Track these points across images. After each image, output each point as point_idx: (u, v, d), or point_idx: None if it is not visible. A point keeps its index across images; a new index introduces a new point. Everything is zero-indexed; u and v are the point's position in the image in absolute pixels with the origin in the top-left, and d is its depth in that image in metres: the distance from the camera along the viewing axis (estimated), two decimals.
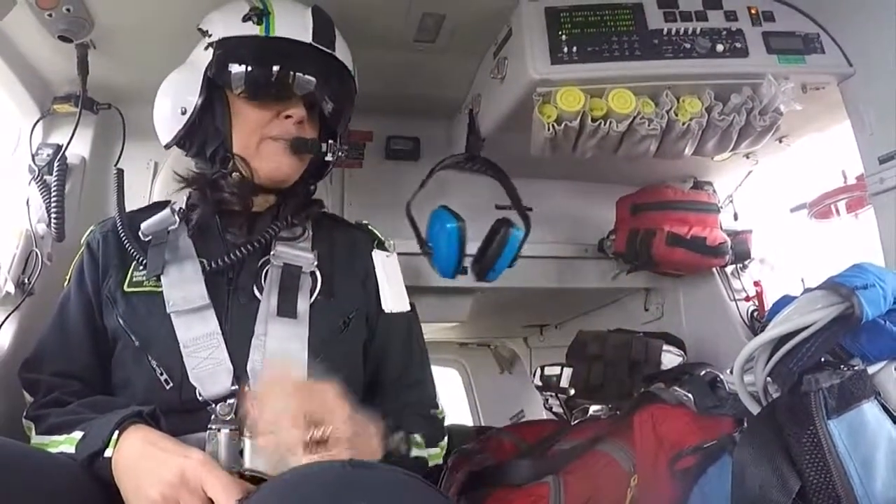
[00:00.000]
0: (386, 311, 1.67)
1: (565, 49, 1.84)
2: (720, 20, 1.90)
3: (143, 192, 2.29)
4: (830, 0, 1.88)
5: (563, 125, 1.83)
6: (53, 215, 1.89)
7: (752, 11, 1.92)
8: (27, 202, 1.94)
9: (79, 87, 1.96)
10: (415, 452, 1.48)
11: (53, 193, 1.91)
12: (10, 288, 1.80)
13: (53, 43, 1.86)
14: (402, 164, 2.55)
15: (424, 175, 2.17)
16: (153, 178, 2.31)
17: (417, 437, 1.50)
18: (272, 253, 1.56)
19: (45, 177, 1.95)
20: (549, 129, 1.83)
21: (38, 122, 2.05)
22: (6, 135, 2.09)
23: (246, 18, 1.56)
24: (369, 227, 1.81)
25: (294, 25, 1.57)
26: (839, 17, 1.88)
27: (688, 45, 1.86)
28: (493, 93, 2.10)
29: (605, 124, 1.84)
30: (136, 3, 1.83)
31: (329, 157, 1.62)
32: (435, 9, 1.93)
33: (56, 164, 1.95)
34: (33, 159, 1.98)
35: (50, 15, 1.77)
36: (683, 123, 1.85)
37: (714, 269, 2.59)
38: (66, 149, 1.97)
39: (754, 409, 1.28)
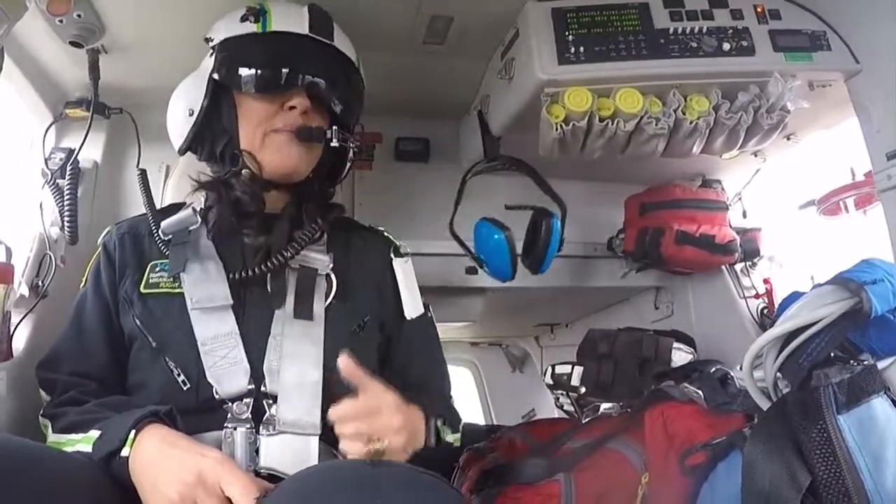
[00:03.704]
0: (408, 318, 1.69)
1: (572, 49, 1.85)
2: (726, 19, 1.90)
3: (154, 194, 2.29)
4: None
5: (570, 125, 1.83)
6: (66, 219, 1.91)
7: (759, 9, 1.92)
8: (40, 206, 1.96)
9: (90, 91, 1.98)
10: (448, 438, 1.52)
11: (66, 197, 1.93)
12: (25, 290, 1.82)
13: (65, 48, 1.88)
14: (411, 165, 2.56)
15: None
16: (165, 181, 2.33)
17: (441, 423, 1.51)
18: (288, 255, 1.57)
19: (57, 181, 1.97)
20: (557, 130, 1.83)
21: (50, 126, 2.07)
22: (19, 139, 2.11)
23: (244, 19, 1.59)
24: (385, 233, 1.81)
25: (290, 20, 1.60)
26: (845, 15, 1.88)
27: (694, 44, 1.86)
28: (501, 94, 2.11)
29: (612, 124, 1.84)
30: (147, 9, 1.84)
31: (335, 143, 1.60)
32: (443, 11, 1.94)
33: (68, 168, 1.97)
34: (46, 163, 2.00)
35: (61, 21, 1.78)
36: (691, 122, 1.86)
37: (723, 267, 2.59)
38: (78, 153, 1.99)
39: (764, 405, 1.28)
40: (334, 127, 1.61)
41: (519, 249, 2.26)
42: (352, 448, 1.25)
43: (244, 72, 1.55)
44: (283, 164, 1.57)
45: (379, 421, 1.27)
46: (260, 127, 1.56)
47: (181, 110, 1.62)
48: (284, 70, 1.55)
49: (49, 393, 1.47)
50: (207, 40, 1.65)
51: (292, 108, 1.56)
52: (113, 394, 1.46)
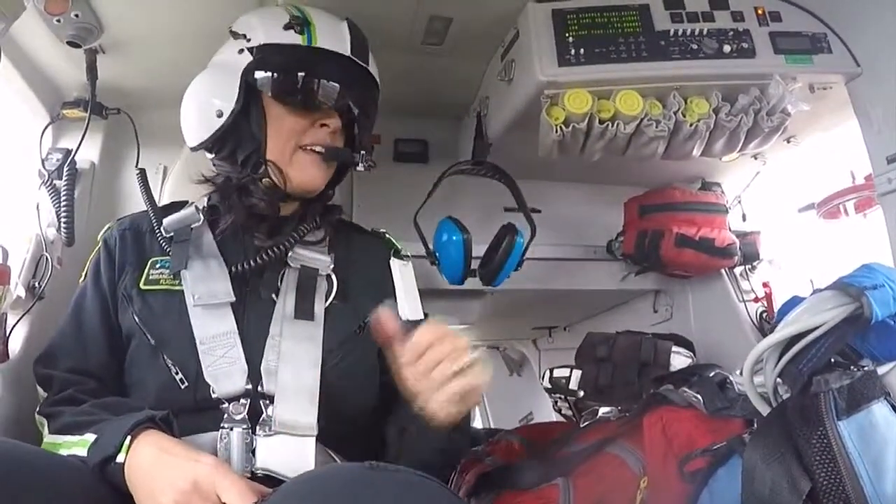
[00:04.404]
0: (402, 318, 1.67)
1: (572, 51, 1.84)
2: (727, 21, 1.90)
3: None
4: (837, 0, 1.88)
5: (570, 127, 1.83)
6: (63, 220, 1.90)
7: (759, 12, 1.91)
8: (37, 207, 1.95)
9: (88, 92, 1.97)
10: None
11: (63, 198, 1.92)
12: (21, 292, 1.81)
13: (62, 48, 1.87)
14: (410, 166, 2.56)
15: (433, 177, 2.18)
16: (162, 183, 2.32)
17: None
18: (289, 255, 1.56)
19: (54, 181, 1.97)
20: (556, 132, 1.83)
21: (47, 126, 2.07)
22: (16, 139, 2.10)
23: (287, 27, 1.56)
24: (386, 235, 1.81)
25: (334, 38, 1.58)
26: (846, 17, 1.87)
27: (695, 46, 1.86)
28: (500, 95, 2.10)
29: (612, 126, 1.84)
30: (145, 9, 1.84)
31: (361, 167, 1.63)
32: (442, 12, 1.94)
33: (65, 169, 1.97)
34: (43, 164, 2.00)
35: (59, 21, 1.78)
36: (691, 125, 1.85)
37: (723, 271, 2.59)
38: (75, 153, 1.99)
39: (764, 411, 1.28)
40: (363, 152, 1.63)
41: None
42: (444, 370, 1.25)
43: (288, 84, 1.53)
44: (309, 182, 1.58)
45: (451, 342, 1.27)
46: (291, 140, 1.55)
47: (202, 109, 1.58)
48: (328, 90, 1.55)
49: (46, 389, 1.46)
50: (237, 35, 1.60)
51: (324, 125, 1.57)
52: (111, 391, 1.45)
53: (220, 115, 1.55)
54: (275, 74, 1.53)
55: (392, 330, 1.29)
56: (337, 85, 1.55)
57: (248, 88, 1.54)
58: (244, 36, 1.59)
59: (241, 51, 1.57)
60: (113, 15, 1.83)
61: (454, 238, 2.12)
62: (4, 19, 1.41)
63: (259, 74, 1.54)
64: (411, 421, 1.36)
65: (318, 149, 1.56)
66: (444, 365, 1.24)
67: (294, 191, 1.58)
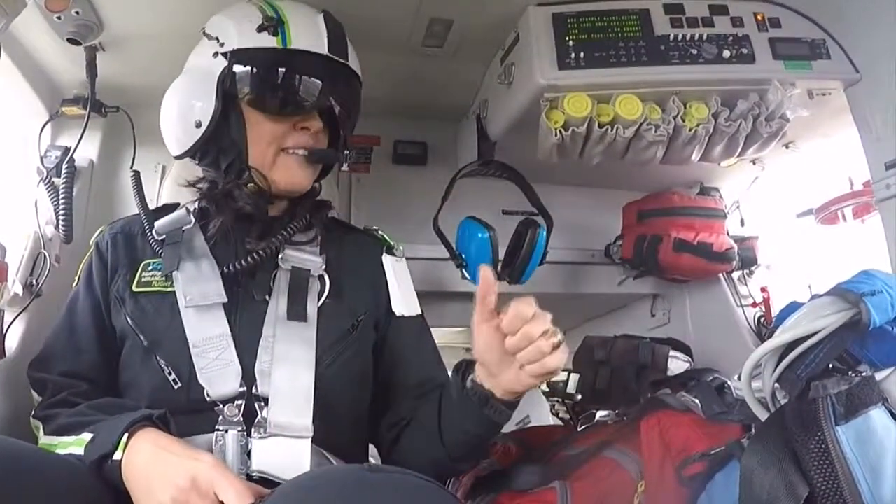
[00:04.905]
0: (397, 314, 1.66)
1: (572, 55, 1.85)
2: (727, 26, 1.91)
3: (150, 194, 2.26)
4: (836, 6, 1.88)
5: (570, 131, 1.83)
6: (61, 217, 1.90)
7: (759, 17, 1.92)
8: (35, 204, 1.95)
9: (87, 89, 1.97)
10: None
11: (61, 196, 1.92)
12: (19, 289, 1.81)
13: (62, 45, 1.87)
14: (409, 168, 2.56)
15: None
16: (161, 182, 2.32)
17: None
18: (280, 256, 1.56)
19: (53, 179, 1.96)
20: (556, 135, 1.83)
21: (46, 124, 2.06)
22: (15, 136, 2.10)
23: (261, 29, 1.52)
24: (379, 232, 1.80)
25: (310, 36, 1.55)
26: (845, 23, 1.88)
27: (694, 51, 1.86)
28: (500, 98, 2.11)
29: (611, 130, 1.84)
30: (145, 7, 1.84)
31: (346, 168, 1.62)
32: (443, 14, 1.94)
33: (64, 167, 1.96)
34: (42, 161, 1.99)
35: (59, 17, 1.78)
36: (690, 129, 1.85)
37: (721, 275, 2.59)
38: (74, 151, 1.98)
39: (762, 416, 1.28)
40: (346, 151, 1.63)
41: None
42: (543, 346, 1.25)
43: (266, 90, 1.51)
44: (294, 184, 1.57)
45: (545, 320, 1.28)
46: (272, 145, 1.53)
47: (181, 117, 1.57)
48: (308, 93, 1.53)
49: (40, 393, 1.46)
50: (210, 37, 1.57)
51: (305, 128, 1.55)
52: (105, 394, 1.44)
53: (198, 125, 1.53)
54: (252, 82, 1.51)
55: (490, 288, 1.32)
56: (317, 85, 1.53)
57: (226, 96, 1.52)
58: (217, 39, 1.56)
59: (216, 55, 1.54)
60: (113, 12, 1.83)
61: (479, 235, 2.12)
62: (5, 16, 1.41)
63: (237, 82, 1.52)
64: (461, 395, 1.41)
65: (300, 152, 1.55)
66: (543, 341, 1.25)
67: (279, 193, 1.57)
